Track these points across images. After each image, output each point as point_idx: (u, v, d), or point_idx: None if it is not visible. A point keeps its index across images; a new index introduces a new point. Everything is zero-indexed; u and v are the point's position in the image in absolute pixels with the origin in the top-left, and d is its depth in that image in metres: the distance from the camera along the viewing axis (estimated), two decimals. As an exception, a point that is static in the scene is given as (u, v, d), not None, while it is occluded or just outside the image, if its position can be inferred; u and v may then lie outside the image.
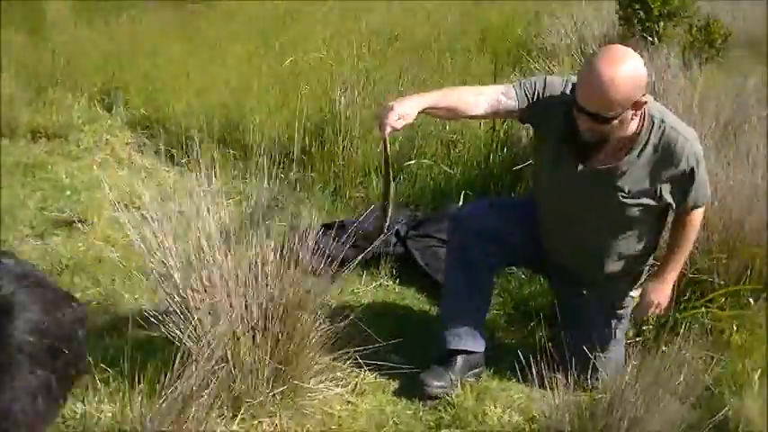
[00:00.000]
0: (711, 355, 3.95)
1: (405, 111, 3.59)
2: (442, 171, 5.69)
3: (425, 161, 5.79)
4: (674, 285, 4.03)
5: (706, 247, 4.48)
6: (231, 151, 6.00)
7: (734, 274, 4.48)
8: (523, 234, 4.09)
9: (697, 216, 3.94)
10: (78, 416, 3.40)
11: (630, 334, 4.20)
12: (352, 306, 4.50)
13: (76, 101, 7.19)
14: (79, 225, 5.14)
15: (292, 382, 3.63)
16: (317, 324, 3.77)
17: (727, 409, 3.79)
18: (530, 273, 4.85)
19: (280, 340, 3.61)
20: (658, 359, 3.40)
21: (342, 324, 3.80)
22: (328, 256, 4.70)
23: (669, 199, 3.79)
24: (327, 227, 5.06)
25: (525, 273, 4.89)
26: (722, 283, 4.45)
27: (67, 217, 5.35)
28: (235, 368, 3.54)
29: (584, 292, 4.03)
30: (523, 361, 3.50)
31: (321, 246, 4.70)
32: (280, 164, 5.86)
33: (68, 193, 5.70)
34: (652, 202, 3.80)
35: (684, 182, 3.78)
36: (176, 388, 3.05)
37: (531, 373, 3.47)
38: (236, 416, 3.57)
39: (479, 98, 3.77)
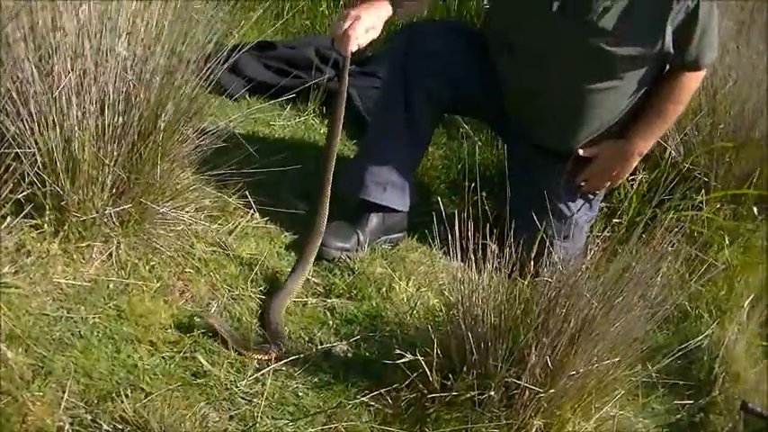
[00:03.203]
0: (692, 269, 3.03)
1: (372, 22, 2.83)
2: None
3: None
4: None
5: (707, 137, 3.55)
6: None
7: (736, 177, 3.57)
8: (484, 75, 3.17)
9: (693, 80, 3.12)
10: None
11: (598, 228, 3.26)
12: (260, 138, 3.57)
13: None
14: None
15: (140, 201, 2.67)
16: (191, 137, 2.81)
17: (702, 336, 2.93)
18: (486, 138, 3.95)
19: (134, 143, 2.65)
20: (626, 257, 2.46)
21: (218, 142, 2.86)
22: (246, 78, 3.86)
23: (670, 47, 2.87)
24: (256, 47, 4.07)
25: (480, 135, 3.97)
26: (719, 186, 3.52)
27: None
28: (65, 169, 2.57)
29: (549, 162, 3.13)
30: (458, 235, 2.52)
31: (240, 65, 3.88)
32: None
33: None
34: (647, 50, 2.88)
35: (686, 24, 2.93)
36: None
37: (466, 251, 2.52)
38: (59, 233, 2.61)
39: None
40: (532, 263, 2.53)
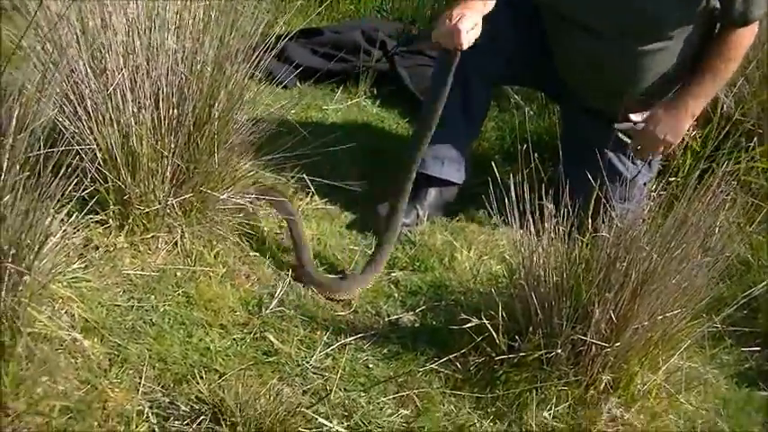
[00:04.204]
0: (751, 219, 3.02)
1: (476, 19, 2.81)
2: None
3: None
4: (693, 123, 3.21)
5: (758, 89, 3.53)
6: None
7: (790, 127, 3.54)
8: (535, 43, 3.17)
9: (744, 36, 3.05)
10: None
11: (654, 186, 3.24)
12: (313, 122, 3.61)
13: None
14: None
15: (200, 190, 2.72)
16: (246, 125, 2.86)
17: (765, 284, 2.90)
18: (537, 107, 3.96)
19: (191, 134, 2.70)
20: (683, 208, 2.46)
21: (273, 128, 2.91)
22: (295, 64, 3.89)
23: (716, 2, 2.89)
24: (303, 33, 4.12)
25: (532, 106, 3.98)
26: (774, 137, 3.50)
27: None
28: (125, 164, 2.62)
29: (603, 125, 3.12)
30: (515, 197, 2.55)
31: (288, 53, 3.92)
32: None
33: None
34: (693, 8, 2.90)
35: None
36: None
37: (524, 214, 2.54)
38: (124, 226, 2.67)
39: None
40: (590, 220, 2.54)
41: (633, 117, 3.11)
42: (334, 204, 3.16)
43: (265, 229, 2.92)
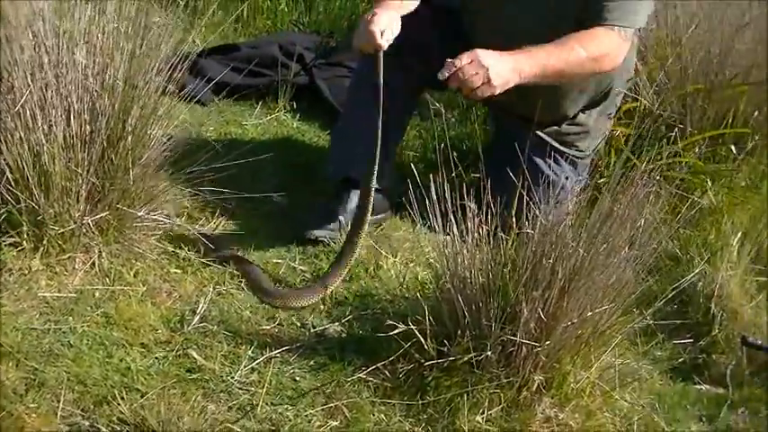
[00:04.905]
0: (676, 212, 3.01)
1: (390, 17, 2.76)
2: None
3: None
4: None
5: (677, 84, 3.54)
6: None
7: (710, 120, 3.56)
8: (455, 43, 3.12)
9: (602, 36, 2.94)
10: None
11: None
12: (232, 138, 3.56)
13: None
14: None
15: (116, 208, 2.65)
16: (162, 140, 2.80)
17: (692, 275, 2.90)
18: (459, 113, 3.94)
19: (104, 150, 2.63)
20: (607, 202, 2.44)
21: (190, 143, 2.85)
22: (211, 80, 3.81)
23: None
24: (219, 50, 4.06)
25: (454, 113, 3.95)
26: (695, 132, 3.51)
27: None
28: (38, 184, 2.55)
29: (532, 131, 3.09)
30: (438, 208, 2.52)
31: (204, 69, 3.86)
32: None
33: None
34: None
35: None
36: None
37: (446, 215, 2.51)
38: (38, 248, 2.61)
39: None
40: (514, 219, 2.50)
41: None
42: (253, 217, 3.09)
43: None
